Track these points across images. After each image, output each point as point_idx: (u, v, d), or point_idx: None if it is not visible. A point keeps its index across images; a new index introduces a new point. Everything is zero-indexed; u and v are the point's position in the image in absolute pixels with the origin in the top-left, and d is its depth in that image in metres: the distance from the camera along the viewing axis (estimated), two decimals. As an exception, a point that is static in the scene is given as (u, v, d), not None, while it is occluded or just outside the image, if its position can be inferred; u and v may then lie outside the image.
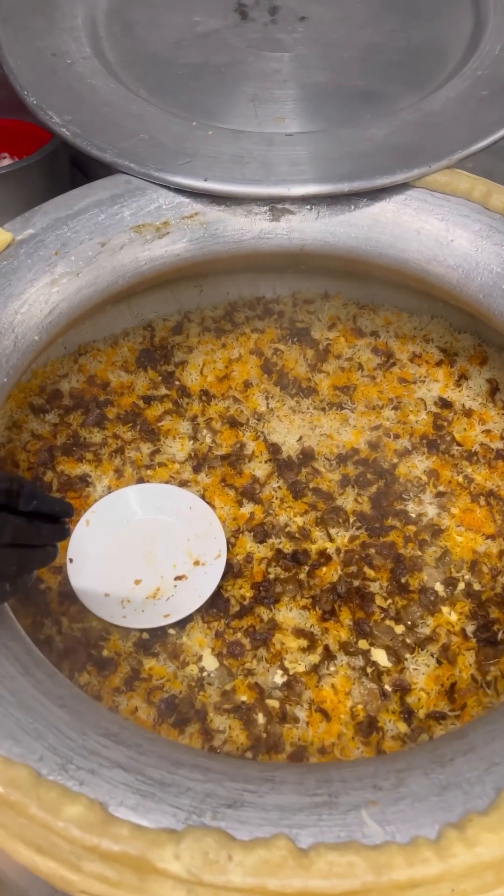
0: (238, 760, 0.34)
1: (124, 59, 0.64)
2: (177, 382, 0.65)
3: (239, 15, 0.67)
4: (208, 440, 0.61)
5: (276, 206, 0.55)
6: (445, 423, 0.62)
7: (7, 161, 0.82)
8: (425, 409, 0.62)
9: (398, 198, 0.54)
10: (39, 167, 0.74)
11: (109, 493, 0.57)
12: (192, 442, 0.61)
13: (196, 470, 0.59)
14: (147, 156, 0.54)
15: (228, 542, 0.55)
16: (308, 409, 0.63)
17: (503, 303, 0.52)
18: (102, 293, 0.54)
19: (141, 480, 0.58)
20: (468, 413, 0.62)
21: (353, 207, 0.55)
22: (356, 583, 0.53)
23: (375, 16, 0.66)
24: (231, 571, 0.54)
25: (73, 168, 0.82)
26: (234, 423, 0.62)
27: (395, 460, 0.60)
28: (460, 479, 0.58)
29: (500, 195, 0.53)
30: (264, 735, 0.47)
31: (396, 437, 0.61)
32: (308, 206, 0.55)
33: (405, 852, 0.29)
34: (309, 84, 0.62)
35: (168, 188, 0.54)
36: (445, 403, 0.63)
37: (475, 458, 0.60)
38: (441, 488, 0.58)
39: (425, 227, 0.54)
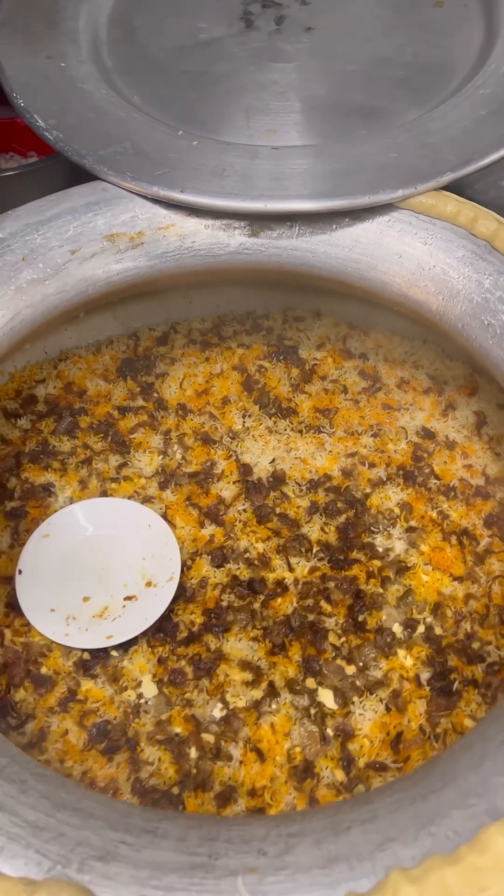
0: (127, 807, 0.32)
1: (122, 65, 0.63)
2: (155, 394, 0.63)
3: (244, 23, 0.66)
4: (178, 456, 0.59)
5: (255, 221, 0.53)
6: (425, 455, 0.59)
7: (16, 159, 0.82)
8: (406, 439, 0.60)
9: (382, 219, 0.52)
10: (60, 166, 0.73)
11: (70, 504, 0.56)
12: (161, 457, 0.59)
13: (162, 486, 0.58)
14: (126, 164, 0.53)
15: (185, 564, 0.53)
16: (285, 430, 0.61)
17: (482, 335, 0.49)
18: (70, 301, 0.53)
19: (104, 493, 0.57)
20: (451, 445, 0.59)
21: (334, 227, 0.53)
22: (311, 617, 0.51)
23: (384, 29, 0.64)
24: (183, 595, 0.52)
25: (71, 180, 0.81)
26: (207, 441, 0.60)
27: (368, 490, 0.57)
28: (434, 514, 0.56)
29: (488, 221, 0.50)
30: (194, 771, 0.45)
31: (372, 465, 0.59)
32: (288, 224, 0.53)
33: (270, 931, 0.27)
34: (307, 97, 0.60)
35: (145, 198, 0.53)
36: (428, 433, 0.60)
37: (453, 493, 0.57)
38: (413, 523, 0.55)
39: (408, 251, 0.52)
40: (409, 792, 0.32)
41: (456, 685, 0.48)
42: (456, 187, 0.52)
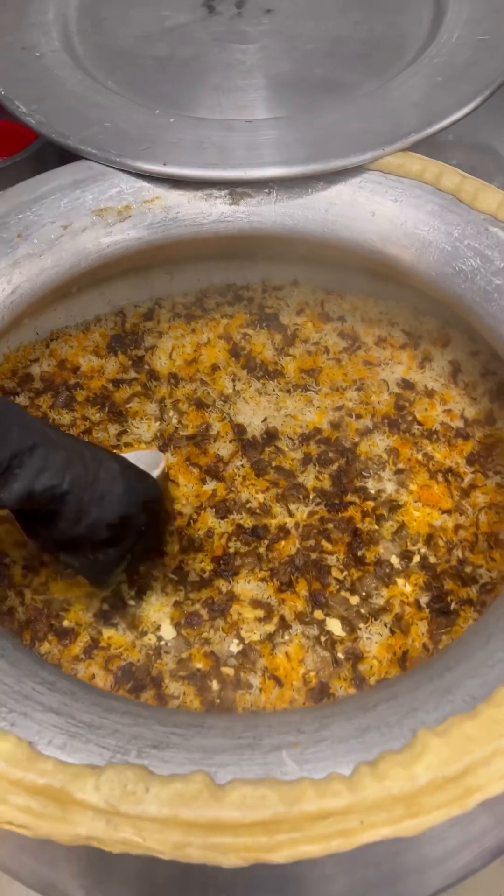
0: (170, 709, 0.35)
1: (93, 53, 0.66)
2: (146, 366, 0.66)
3: (206, 9, 0.69)
4: (175, 421, 0.62)
5: (235, 189, 0.57)
6: (407, 404, 0.63)
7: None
8: (388, 391, 0.64)
9: (353, 180, 0.56)
10: (27, 164, 0.76)
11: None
12: (158, 423, 0.62)
13: (162, 449, 0.61)
14: (109, 142, 0.56)
15: (190, 518, 0.56)
16: (274, 391, 0.64)
17: (454, 281, 0.53)
18: (65, 275, 0.55)
19: (107, 459, 0.60)
20: (430, 394, 0.63)
21: (310, 191, 0.56)
22: (314, 556, 0.55)
23: (340, 9, 0.68)
24: (192, 546, 0.55)
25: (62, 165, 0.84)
26: (200, 405, 0.63)
27: (357, 439, 0.61)
28: (420, 456, 0.59)
29: (452, 176, 0.54)
30: (218, 700, 0.48)
31: (359, 417, 0.62)
32: (266, 190, 0.57)
33: (317, 786, 0.30)
34: (272, 74, 0.64)
35: (129, 173, 0.56)
36: (408, 385, 0.64)
37: (435, 436, 0.61)
38: (401, 465, 0.59)
39: (380, 209, 0.55)
40: (426, 674, 0.35)
41: (453, 606, 0.52)
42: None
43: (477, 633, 0.36)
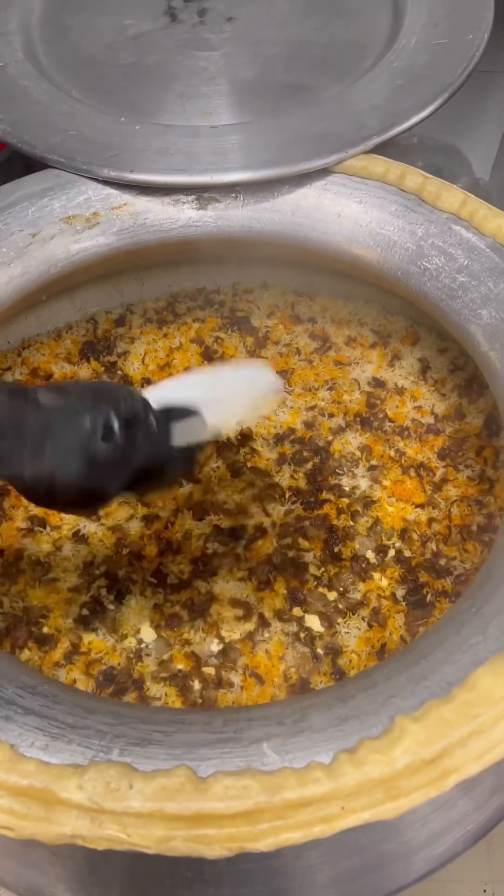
0: (152, 707, 0.35)
1: (58, 62, 0.66)
2: (119, 372, 0.67)
3: (169, 17, 0.70)
4: (149, 425, 0.63)
5: (202, 195, 0.57)
6: (378, 402, 0.64)
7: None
8: (359, 389, 0.65)
9: (318, 183, 0.57)
10: None
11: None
12: (133, 427, 0.62)
13: (137, 454, 0.61)
14: (75, 150, 0.56)
15: (168, 521, 0.57)
16: (247, 392, 0.65)
17: (420, 279, 0.54)
18: (35, 283, 0.55)
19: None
20: (400, 391, 0.64)
21: (276, 194, 0.57)
22: (291, 554, 0.55)
23: (300, 15, 0.69)
24: (170, 548, 0.56)
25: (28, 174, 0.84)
26: (174, 409, 0.64)
27: (330, 438, 0.62)
28: (392, 452, 0.60)
29: (414, 176, 0.55)
30: (199, 700, 0.49)
31: (331, 416, 0.63)
32: (233, 195, 0.57)
33: (298, 775, 0.30)
34: (236, 80, 0.64)
35: (97, 180, 0.56)
36: (378, 383, 0.65)
37: (406, 432, 0.62)
38: (373, 462, 0.60)
39: (345, 211, 0.56)
40: (403, 661, 0.36)
41: (429, 598, 0.53)
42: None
43: (451, 619, 0.37)
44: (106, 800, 0.29)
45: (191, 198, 0.57)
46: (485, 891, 0.55)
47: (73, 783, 0.30)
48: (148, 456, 0.38)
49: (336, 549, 0.55)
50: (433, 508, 0.57)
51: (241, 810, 0.29)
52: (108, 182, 0.56)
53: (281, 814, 0.29)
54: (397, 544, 0.56)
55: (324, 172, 0.57)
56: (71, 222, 0.56)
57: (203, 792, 0.29)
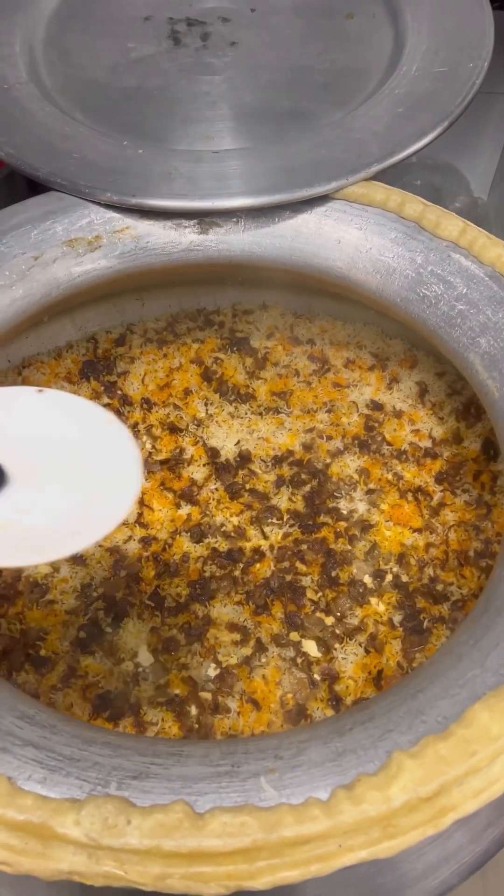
0: (149, 738, 0.35)
1: (61, 85, 0.66)
2: (119, 392, 0.67)
3: (172, 41, 0.70)
4: (148, 446, 0.63)
5: (203, 219, 0.58)
6: (376, 425, 0.64)
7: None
8: (357, 412, 0.65)
9: (319, 209, 0.57)
10: None
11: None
12: (132, 448, 0.63)
13: (136, 475, 0.61)
14: (78, 174, 0.57)
15: (165, 543, 0.57)
16: (246, 414, 0.65)
17: (419, 306, 0.54)
18: (37, 304, 0.56)
19: (81, 486, 0.60)
20: (398, 414, 0.65)
21: (276, 220, 0.58)
22: (288, 578, 0.55)
23: (302, 41, 0.70)
24: (168, 571, 0.56)
25: (30, 192, 0.84)
26: (174, 430, 0.64)
27: (328, 460, 0.62)
28: (390, 476, 0.61)
29: (414, 204, 0.55)
30: (196, 725, 0.49)
31: (329, 438, 0.63)
32: (234, 220, 0.58)
33: (296, 812, 0.30)
34: (238, 105, 0.65)
35: (99, 204, 0.57)
36: (377, 406, 0.65)
37: (404, 456, 0.62)
38: (371, 486, 0.60)
39: (345, 237, 0.57)
40: (400, 695, 0.36)
41: (426, 623, 0.53)
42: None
43: (449, 652, 0.37)
44: (103, 836, 0.29)
45: (192, 222, 0.58)
46: (479, 917, 0.55)
47: (70, 818, 0.30)
48: None
49: (333, 574, 0.55)
50: (430, 533, 0.58)
51: (238, 848, 0.29)
52: (110, 206, 0.57)
53: (278, 852, 0.29)
54: (395, 569, 0.56)
55: (324, 199, 0.57)
56: (73, 245, 0.56)
57: (200, 829, 0.29)
